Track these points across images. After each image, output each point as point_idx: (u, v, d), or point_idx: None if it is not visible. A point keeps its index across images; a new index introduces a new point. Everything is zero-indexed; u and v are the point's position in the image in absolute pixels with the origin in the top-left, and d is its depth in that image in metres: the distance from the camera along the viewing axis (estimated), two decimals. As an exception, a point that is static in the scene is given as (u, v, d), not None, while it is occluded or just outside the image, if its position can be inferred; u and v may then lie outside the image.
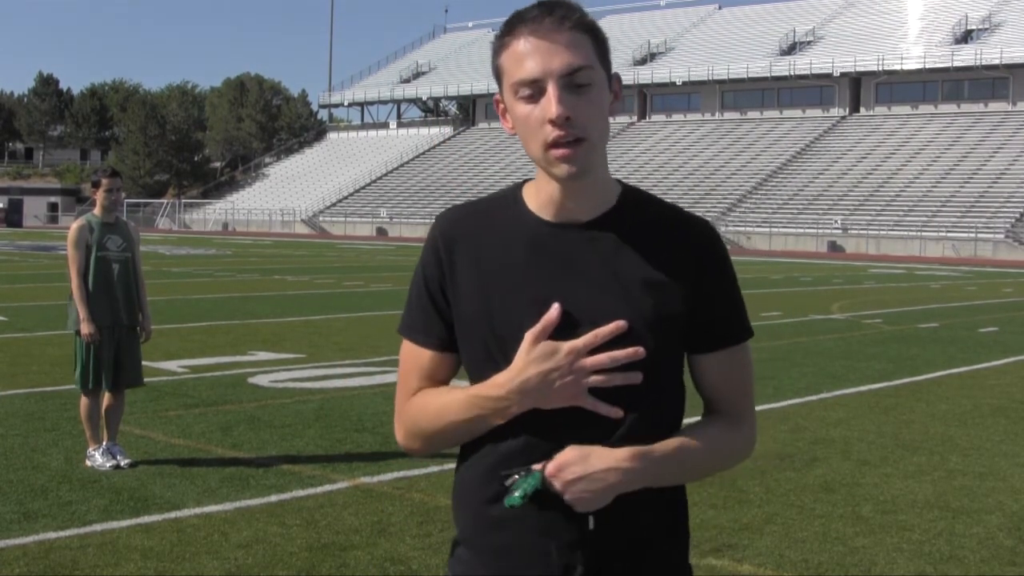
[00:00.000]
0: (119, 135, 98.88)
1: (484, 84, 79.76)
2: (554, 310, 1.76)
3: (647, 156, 69.85)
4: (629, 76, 75.08)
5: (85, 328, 6.82)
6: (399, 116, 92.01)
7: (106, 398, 6.98)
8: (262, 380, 10.28)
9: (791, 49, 74.18)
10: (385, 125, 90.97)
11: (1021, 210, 51.08)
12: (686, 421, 1.89)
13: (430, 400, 1.87)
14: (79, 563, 5.02)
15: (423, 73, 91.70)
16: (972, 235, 49.51)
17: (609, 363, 1.74)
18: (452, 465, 1.95)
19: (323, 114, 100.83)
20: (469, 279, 1.84)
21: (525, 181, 1.91)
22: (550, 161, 1.76)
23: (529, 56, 1.74)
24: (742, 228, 56.05)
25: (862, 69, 68.38)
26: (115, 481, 6.48)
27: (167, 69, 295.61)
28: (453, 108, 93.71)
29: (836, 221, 54.35)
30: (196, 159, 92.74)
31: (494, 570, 1.84)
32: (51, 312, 15.55)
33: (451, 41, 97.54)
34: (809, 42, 74.37)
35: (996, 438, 8.21)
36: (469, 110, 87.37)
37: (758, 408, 7.83)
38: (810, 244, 53.53)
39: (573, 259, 1.81)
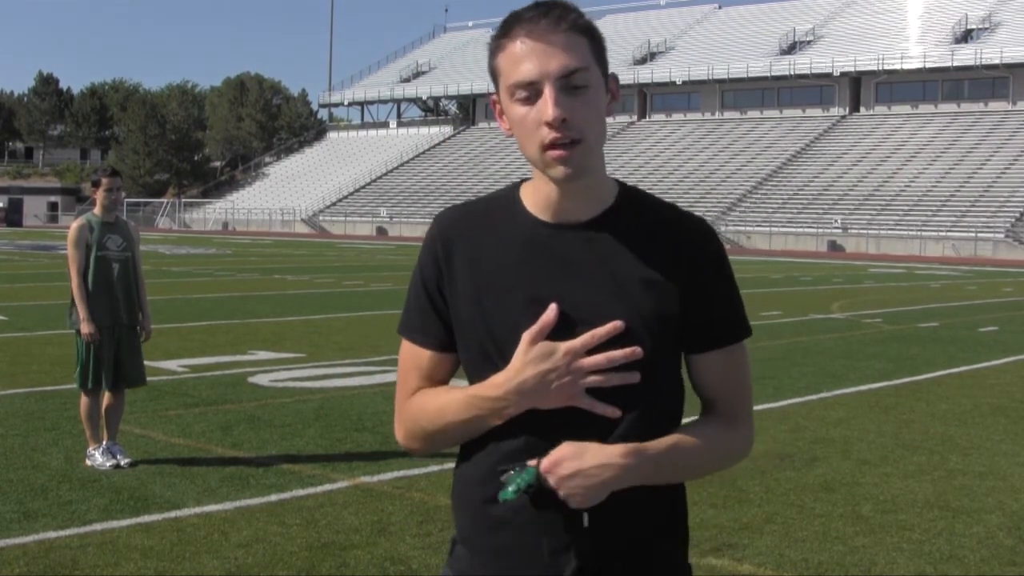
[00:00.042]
0: (119, 135, 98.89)
1: (484, 84, 79.76)
2: (551, 311, 1.76)
3: (647, 156, 69.85)
4: (629, 76, 75.10)
5: (85, 328, 6.82)
6: (399, 116, 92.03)
7: (106, 397, 6.98)
8: (262, 379, 10.28)
9: (791, 49, 74.19)
10: (385, 125, 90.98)
11: (1021, 210, 51.08)
12: (685, 420, 1.89)
13: (429, 400, 1.87)
14: (79, 563, 5.02)
15: (423, 73, 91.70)
16: (972, 235, 49.52)
17: (606, 363, 1.75)
18: (452, 464, 1.95)
19: (323, 114, 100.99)
20: (466, 279, 1.84)
21: (522, 181, 1.91)
22: (547, 162, 1.76)
23: (526, 58, 1.74)
24: (742, 228, 56.05)
25: (862, 69, 68.38)
26: (115, 480, 6.48)
27: (167, 69, 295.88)
28: (453, 108, 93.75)
29: (836, 221, 54.35)
30: (196, 159, 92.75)
31: (493, 570, 1.84)
32: (51, 312, 15.55)
33: (451, 41, 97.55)
34: (809, 42, 74.37)
35: (996, 438, 8.21)
36: (469, 110, 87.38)
37: (758, 408, 7.79)
38: (810, 244, 53.53)
39: (570, 259, 1.81)
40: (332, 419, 8.41)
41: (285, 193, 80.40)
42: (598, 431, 1.76)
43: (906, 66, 66.73)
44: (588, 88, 1.76)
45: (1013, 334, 15.56)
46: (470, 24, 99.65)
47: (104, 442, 6.88)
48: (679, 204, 1.91)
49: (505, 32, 1.78)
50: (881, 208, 55.06)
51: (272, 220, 75.34)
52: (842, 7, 77.82)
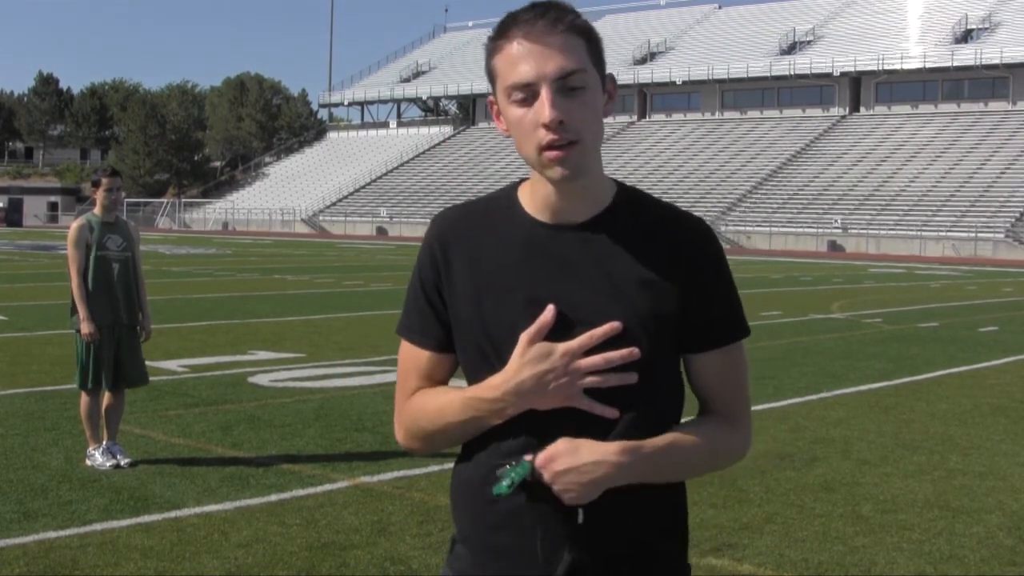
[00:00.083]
0: (119, 135, 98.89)
1: (484, 84, 78.67)
2: (549, 312, 1.76)
3: (647, 156, 69.85)
4: (629, 76, 75.12)
5: (85, 327, 6.82)
6: (399, 116, 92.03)
7: (106, 397, 6.98)
8: (262, 379, 10.28)
9: (791, 49, 74.19)
10: (385, 125, 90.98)
11: (1021, 210, 51.09)
12: (684, 420, 1.89)
13: (428, 400, 1.88)
14: (79, 563, 5.02)
15: (423, 73, 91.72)
16: (972, 235, 49.52)
17: (604, 364, 1.75)
18: (452, 464, 1.95)
19: (323, 114, 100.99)
20: (464, 280, 1.84)
21: (520, 182, 1.91)
22: (544, 163, 1.76)
23: (522, 60, 1.74)
24: (742, 228, 56.05)
25: (862, 69, 68.38)
26: (115, 481, 6.48)
27: (167, 69, 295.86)
28: (453, 108, 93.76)
29: (836, 221, 54.35)
30: (196, 159, 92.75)
31: (492, 570, 1.84)
32: (51, 312, 15.56)
33: (451, 41, 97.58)
34: (809, 42, 74.37)
35: (996, 438, 8.21)
36: (469, 110, 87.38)
37: (758, 408, 7.81)
38: (810, 244, 53.53)
39: (568, 260, 1.81)
40: (332, 419, 8.41)
41: (285, 193, 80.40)
42: (597, 431, 1.76)
43: (906, 66, 66.73)
44: (585, 89, 1.75)
45: (1013, 334, 15.56)
46: (470, 24, 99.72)
47: (104, 442, 6.88)
48: (679, 204, 1.91)
49: (502, 33, 1.78)
50: (881, 208, 55.06)
51: (272, 220, 75.34)
52: (842, 7, 77.82)
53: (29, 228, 72.11)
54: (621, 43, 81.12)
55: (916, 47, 67.91)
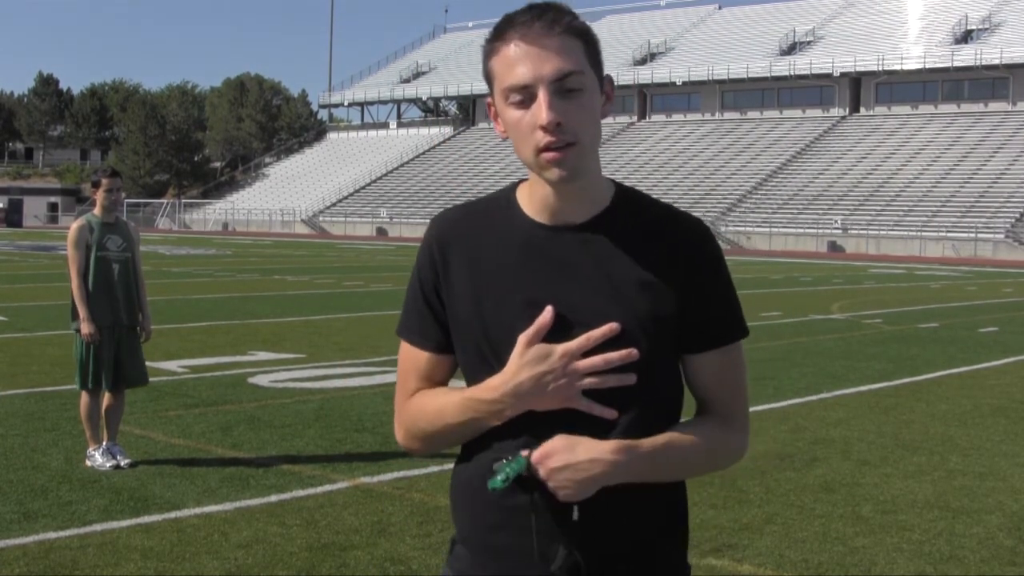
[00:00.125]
0: (119, 135, 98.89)
1: (484, 84, 78.13)
2: (547, 313, 1.76)
3: (647, 156, 69.86)
4: (629, 76, 75.14)
5: (85, 328, 6.82)
6: (399, 116, 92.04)
7: (106, 398, 6.98)
8: (262, 380, 10.28)
9: (791, 49, 74.19)
10: (385, 125, 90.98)
11: (1021, 210, 51.08)
12: (682, 421, 1.88)
13: (428, 402, 1.88)
14: (79, 563, 5.02)
15: (423, 73, 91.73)
16: (972, 235, 49.51)
17: (603, 365, 1.75)
18: (452, 465, 1.95)
19: (323, 114, 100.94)
20: (463, 281, 1.84)
21: (519, 183, 1.91)
22: (542, 165, 1.76)
23: (519, 62, 1.74)
24: (742, 228, 56.05)
25: (862, 69, 68.39)
26: (115, 481, 6.48)
27: (167, 69, 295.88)
28: (453, 108, 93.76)
29: (836, 221, 54.35)
30: (196, 159, 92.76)
31: (492, 570, 1.84)
32: (51, 312, 15.56)
33: (451, 41, 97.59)
34: (809, 42, 74.37)
35: (996, 438, 8.21)
36: (469, 110, 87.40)
37: (758, 408, 7.80)
38: (810, 244, 53.53)
39: (566, 261, 1.81)
40: (332, 420, 8.41)
41: (285, 194, 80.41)
42: (596, 432, 1.76)
43: (906, 66, 66.74)
44: (582, 91, 1.75)
45: (1013, 334, 15.56)
46: (470, 24, 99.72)
47: (104, 443, 6.88)
48: (679, 204, 1.91)
49: (499, 35, 1.78)
50: (881, 208, 55.06)
51: (272, 221, 75.35)
52: (842, 8, 77.83)
53: (29, 229, 72.12)
54: (621, 43, 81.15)
55: (916, 47, 67.91)
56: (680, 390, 1.89)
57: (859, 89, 69.75)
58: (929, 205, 53.94)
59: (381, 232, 68.28)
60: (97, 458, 6.80)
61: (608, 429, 1.77)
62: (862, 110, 69.44)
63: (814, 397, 9.89)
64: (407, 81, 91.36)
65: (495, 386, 1.77)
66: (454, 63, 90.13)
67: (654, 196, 1.90)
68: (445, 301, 1.86)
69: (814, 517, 5.95)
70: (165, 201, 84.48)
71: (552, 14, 1.76)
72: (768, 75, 71.50)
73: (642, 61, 79.47)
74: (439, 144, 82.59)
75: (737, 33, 79.27)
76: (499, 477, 1.75)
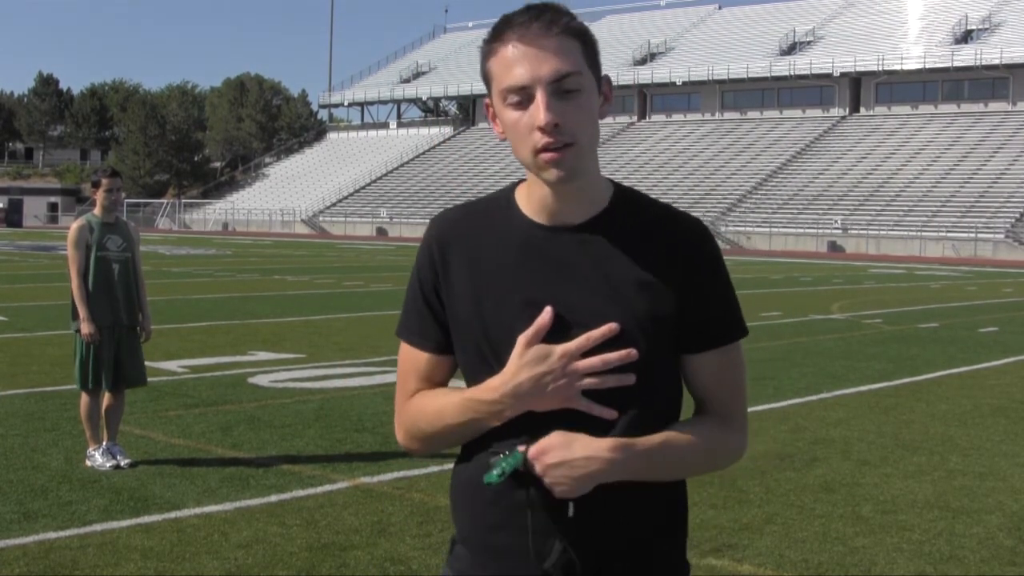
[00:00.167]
0: (119, 135, 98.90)
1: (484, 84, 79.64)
2: (546, 313, 1.76)
3: (647, 156, 69.86)
4: (629, 76, 75.13)
5: (85, 328, 6.82)
6: (399, 116, 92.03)
7: (106, 398, 6.98)
8: (262, 380, 10.28)
9: (791, 49, 74.19)
10: (385, 125, 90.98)
11: (1021, 210, 51.08)
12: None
13: (428, 402, 1.88)
14: (79, 563, 5.02)
15: (423, 73, 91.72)
16: (972, 235, 49.52)
17: (601, 366, 1.75)
18: (452, 465, 1.95)
19: (323, 114, 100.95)
20: (463, 281, 1.84)
21: (518, 183, 1.91)
22: (540, 165, 1.76)
23: (517, 63, 1.74)
24: (742, 228, 56.06)
25: (862, 69, 68.39)
26: (115, 481, 6.48)
27: (167, 69, 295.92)
28: (453, 108, 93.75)
29: (836, 221, 54.35)
30: (196, 159, 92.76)
31: (492, 570, 1.84)
32: (51, 312, 15.56)
33: (451, 41, 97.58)
34: (809, 42, 74.37)
35: (996, 438, 8.21)
36: (469, 110, 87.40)
37: (758, 408, 7.78)
38: (810, 244, 53.53)
39: (565, 262, 1.81)
40: (332, 420, 8.41)
41: (285, 194, 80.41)
42: (595, 432, 1.76)
43: (906, 66, 66.74)
44: (580, 92, 1.75)
45: (1013, 334, 15.56)
46: (470, 24, 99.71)
47: (104, 443, 6.89)
48: (679, 204, 1.91)
49: (497, 36, 1.78)
50: (881, 208, 55.06)
51: (272, 221, 75.35)
52: (842, 8, 77.83)
53: (29, 229, 72.12)
54: (621, 43, 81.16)
55: (916, 47, 67.91)
56: (679, 390, 1.89)
57: (859, 89, 69.76)
58: (929, 205, 53.94)
59: (381, 232, 68.29)
60: (97, 458, 6.80)
61: (607, 429, 1.77)
62: (862, 110, 69.44)
63: (814, 397, 9.89)
64: (407, 81, 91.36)
65: (495, 387, 1.77)
66: (454, 63, 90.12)
67: (654, 196, 1.90)
68: (445, 301, 1.86)
69: (814, 517, 5.95)
70: (165, 201, 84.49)
71: (550, 15, 1.76)
72: (768, 75, 71.51)
73: (642, 61, 79.47)
74: (439, 144, 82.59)
75: (737, 33, 79.27)
76: (495, 472, 1.75)
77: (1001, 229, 49.59)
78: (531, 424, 1.77)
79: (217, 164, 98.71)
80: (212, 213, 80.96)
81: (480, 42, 1.82)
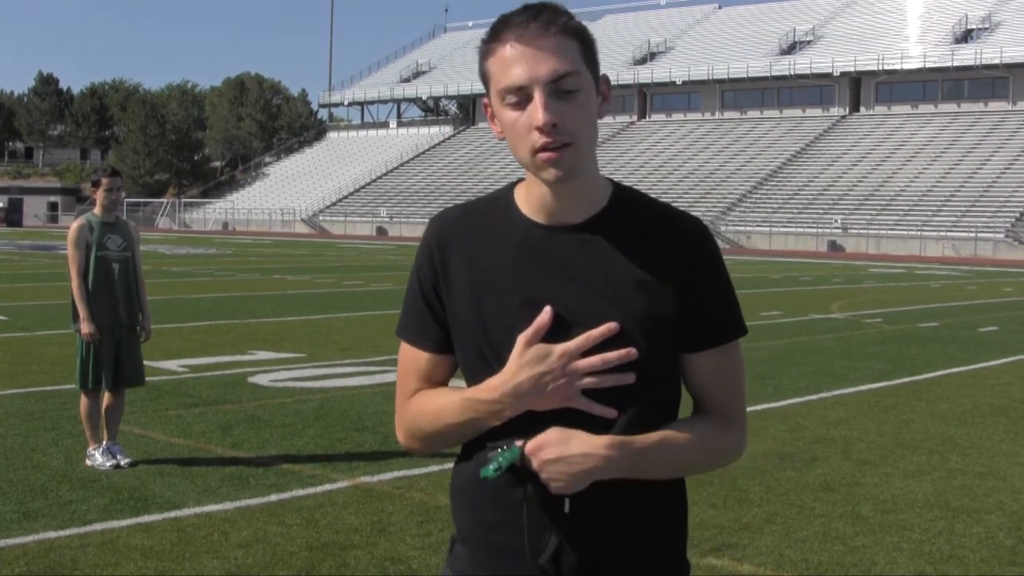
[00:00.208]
0: (119, 135, 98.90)
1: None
2: (546, 313, 1.76)
3: (647, 156, 69.86)
4: (629, 76, 75.13)
5: (85, 327, 6.82)
6: (399, 116, 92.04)
7: (106, 397, 6.98)
8: (262, 379, 10.28)
9: (791, 49, 74.19)
10: (385, 125, 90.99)
11: (1021, 210, 51.09)
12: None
13: (428, 402, 1.88)
14: (79, 563, 5.02)
15: (423, 73, 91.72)
16: (972, 235, 49.52)
17: (601, 365, 1.75)
18: (452, 464, 1.95)
19: (323, 114, 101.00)
20: (462, 281, 1.84)
21: (517, 182, 1.91)
22: (538, 165, 1.76)
23: (515, 62, 1.74)
24: (742, 228, 56.06)
25: (862, 69, 68.38)
26: (115, 481, 6.48)
27: (167, 69, 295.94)
28: (453, 108, 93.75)
29: (836, 221, 54.36)
30: (196, 159, 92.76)
31: (492, 569, 1.84)
32: (51, 312, 15.56)
33: (451, 41, 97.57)
34: (809, 42, 74.38)
35: (996, 438, 8.21)
36: (469, 110, 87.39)
37: (758, 408, 7.77)
38: (810, 244, 53.53)
39: (565, 262, 1.81)
40: (332, 419, 8.41)
41: (285, 193, 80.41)
42: (595, 431, 1.76)
43: (906, 66, 66.74)
44: (579, 92, 1.75)
45: (1013, 334, 15.56)
46: (470, 24, 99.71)
47: (104, 442, 6.89)
48: (679, 204, 1.91)
49: (494, 36, 1.78)
50: (881, 208, 55.06)
51: (272, 220, 75.35)
52: (842, 7, 77.82)
53: (29, 228, 72.12)
54: (621, 43, 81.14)
55: (916, 47, 67.90)
56: (679, 389, 1.89)
57: (859, 89, 69.76)
58: (929, 205, 53.95)
59: (381, 232, 68.29)
60: (97, 457, 6.80)
61: (607, 428, 1.77)
62: (862, 110, 69.44)
63: (814, 396, 9.89)
64: (407, 81, 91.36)
65: (494, 386, 1.77)
66: (454, 62, 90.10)
67: (654, 196, 1.90)
68: (444, 301, 1.86)
69: (814, 517, 5.96)
70: (165, 200, 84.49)
71: (548, 14, 1.75)
72: (768, 75, 71.50)
73: (642, 61, 79.47)
74: (439, 144, 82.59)
75: (737, 32, 79.27)
76: (491, 466, 1.75)
77: (1001, 229, 49.59)
78: (531, 424, 1.77)
79: (217, 163, 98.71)
80: (212, 212, 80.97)
81: (479, 42, 1.82)
